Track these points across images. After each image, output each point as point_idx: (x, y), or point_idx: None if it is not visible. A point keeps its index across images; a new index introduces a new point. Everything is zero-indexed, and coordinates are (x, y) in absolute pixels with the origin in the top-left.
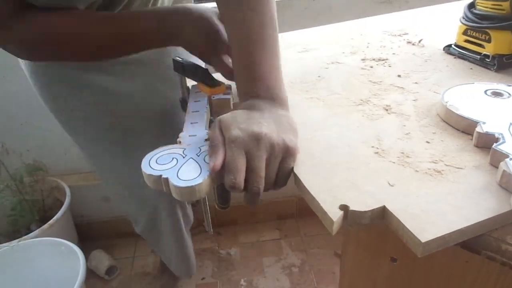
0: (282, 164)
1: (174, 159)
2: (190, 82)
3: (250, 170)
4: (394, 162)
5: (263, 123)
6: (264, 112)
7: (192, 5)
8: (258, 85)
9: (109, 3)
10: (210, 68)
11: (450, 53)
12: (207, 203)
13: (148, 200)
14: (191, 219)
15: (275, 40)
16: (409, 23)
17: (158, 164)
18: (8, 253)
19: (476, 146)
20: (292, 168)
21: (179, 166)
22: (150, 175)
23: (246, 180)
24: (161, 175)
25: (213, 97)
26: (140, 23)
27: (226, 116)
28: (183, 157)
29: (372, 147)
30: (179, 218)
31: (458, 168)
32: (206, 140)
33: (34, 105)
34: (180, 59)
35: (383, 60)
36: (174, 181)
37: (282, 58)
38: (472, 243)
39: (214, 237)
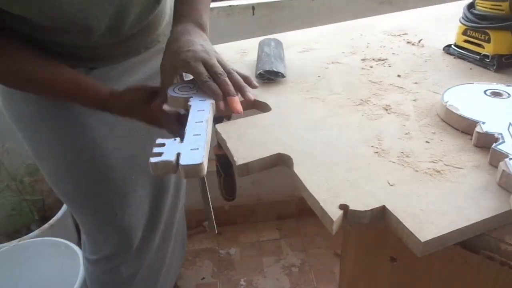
0: (226, 67)
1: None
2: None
3: (211, 69)
4: (394, 162)
5: (202, 44)
6: (196, 35)
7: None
8: (195, 13)
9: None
10: None
11: (450, 53)
12: (209, 198)
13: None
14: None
15: None
16: (409, 23)
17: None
18: (8, 253)
19: (476, 146)
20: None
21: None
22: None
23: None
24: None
25: None
26: (88, 99)
27: (174, 53)
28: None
29: (372, 146)
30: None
31: (457, 168)
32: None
33: None
34: None
35: (383, 60)
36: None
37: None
38: (471, 243)
39: (214, 237)
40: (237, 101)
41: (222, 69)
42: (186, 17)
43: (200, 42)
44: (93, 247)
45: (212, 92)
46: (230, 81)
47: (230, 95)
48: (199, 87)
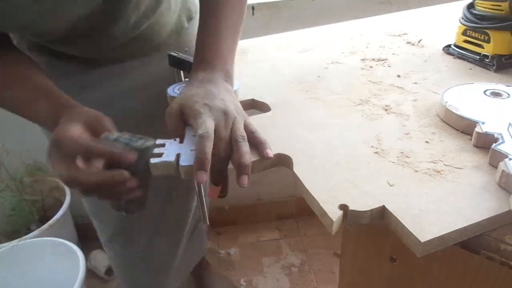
0: (248, 127)
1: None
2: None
3: (219, 138)
4: (393, 162)
5: (223, 98)
6: (219, 86)
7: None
8: (217, 57)
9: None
10: None
11: (450, 53)
12: (202, 191)
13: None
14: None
15: (238, 25)
16: (408, 24)
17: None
18: (8, 253)
19: (475, 146)
20: (255, 131)
21: None
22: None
23: (214, 152)
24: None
25: None
26: (38, 114)
27: (186, 100)
28: None
29: (372, 147)
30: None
31: (457, 168)
32: None
33: None
34: (176, 54)
35: (383, 60)
36: None
37: (282, 58)
38: (471, 243)
39: (214, 237)
40: (214, 191)
41: (239, 133)
42: (208, 63)
43: (221, 96)
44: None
45: (197, 153)
46: (252, 140)
47: (240, 164)
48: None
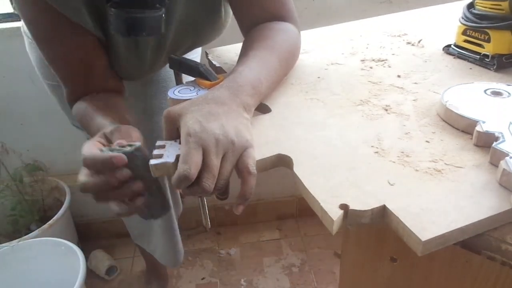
0: (243, 163)
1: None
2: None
3: (205, 166)
4: (394, 162)
5: (225, 122)
6: (227, 109)
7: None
8: (236, 86)
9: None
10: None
11: (450, 53)
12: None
13: None
14: (181, 208)
15: (277, 69)
16: (408, 24)
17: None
18: (8, 253)
19: (476, 145)
20: (253, 171)
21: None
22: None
23: (198, 176)
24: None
25: None
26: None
27: (185, 112)
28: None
29: (372, 146)
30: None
31: (458, 167)
32: None
33: (34, 105)
34: (176, 57)
35: (383, 60)
36: None
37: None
38: (472, 243)
39: (214, 237)
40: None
41: (216, 173)
42: (226, 87)
43: (223, 119)
44: None
45: (181, 158)
46: (240, 176)
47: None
48: (199, 90)
